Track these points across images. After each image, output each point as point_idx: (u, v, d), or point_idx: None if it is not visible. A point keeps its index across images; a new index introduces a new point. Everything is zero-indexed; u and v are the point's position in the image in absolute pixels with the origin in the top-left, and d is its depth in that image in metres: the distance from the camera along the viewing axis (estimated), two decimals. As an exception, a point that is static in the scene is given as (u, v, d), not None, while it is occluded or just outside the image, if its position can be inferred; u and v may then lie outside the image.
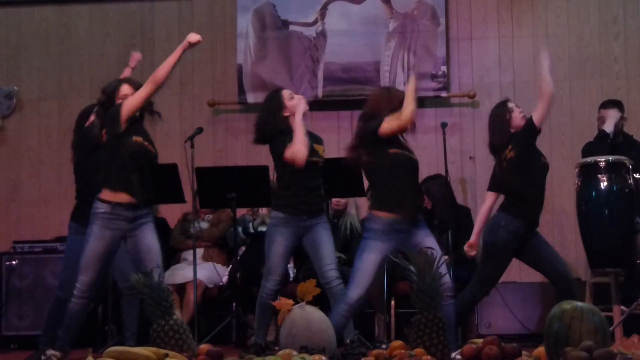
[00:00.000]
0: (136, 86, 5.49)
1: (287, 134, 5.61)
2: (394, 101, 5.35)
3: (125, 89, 5.53)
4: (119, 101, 5.43)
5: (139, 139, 5.38)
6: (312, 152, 5.62)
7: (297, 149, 5.50)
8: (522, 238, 5.55)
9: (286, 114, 5.70)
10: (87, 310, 5.39)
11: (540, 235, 5.69)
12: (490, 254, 5.54)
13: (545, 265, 5.58)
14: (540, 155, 5.75)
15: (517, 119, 5.69)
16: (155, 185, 5.53)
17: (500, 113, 5.74)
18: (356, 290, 5.15)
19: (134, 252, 5.32)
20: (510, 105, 5.76)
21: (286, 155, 5.52)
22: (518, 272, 7.71)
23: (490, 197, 5.83)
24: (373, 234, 5.17)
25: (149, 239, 5.31)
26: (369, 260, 5.14)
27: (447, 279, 5.03)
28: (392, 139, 5.28)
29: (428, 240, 5.15)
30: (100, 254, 5.23)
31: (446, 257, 6.24)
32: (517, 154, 5.58)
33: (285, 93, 5.79)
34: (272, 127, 5.68)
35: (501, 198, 5.79)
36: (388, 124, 5.24)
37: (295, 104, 5.70)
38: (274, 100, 5.75)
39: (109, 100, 5.47)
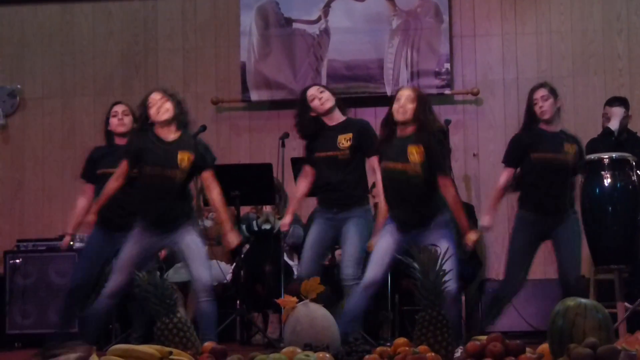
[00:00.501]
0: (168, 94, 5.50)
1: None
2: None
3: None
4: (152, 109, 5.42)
5: (154, 169, 5.36)
6: (331, 146, 5.66)
7: None
8: (535, 224, 5.65)
9: (313, 114, 5.77)
10: (110, 312, 5.53)
11: (568, 228, 5.73)
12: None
13: (557, 261, 5.72)
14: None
15: (538, 108, 5.81)
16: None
17: (529, 96, 5.90)
18: (370, 273, 5.22)
19: (180, 254, 5.45)
20: (539, 93, 5.85)
21: None
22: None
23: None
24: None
25: (187, 239, 5.37)
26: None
27: (451, 284, 4.56)
28: None
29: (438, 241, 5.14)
30: (134, 258, 5.31)
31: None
32: None
33: (309, 92, 5.83)
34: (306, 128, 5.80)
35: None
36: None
37: (317, 105, 5.75)
38: (301, 100, 5.88)
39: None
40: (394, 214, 5.24)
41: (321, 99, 5.73)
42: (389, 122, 5.25)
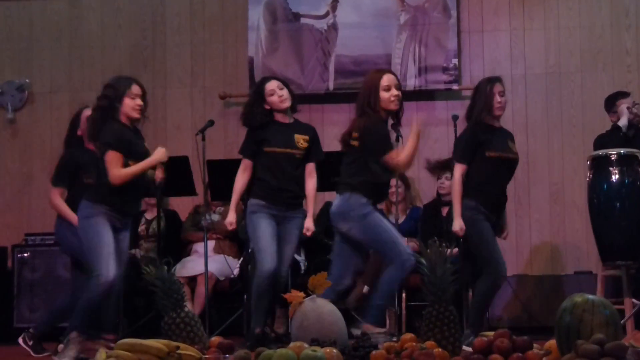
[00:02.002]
0: (143, 91, 5.45)
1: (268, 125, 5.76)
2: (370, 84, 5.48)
3: (136, 89, 5.48)
4: (128, 99, 5.38)
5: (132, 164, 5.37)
6: (288, 143, 5.70)
7: None
8: (488, 218, 5.67)
9: (267, 107, 5.78)
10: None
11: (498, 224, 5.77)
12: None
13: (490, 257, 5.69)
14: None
15: (496, 103, 5.72)
16: (167, 178, 5.61)
17: (483, 88, 5.76)
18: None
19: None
20: (497, 88, 5.76)
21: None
22: (529, 265, 7.72)
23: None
24: None
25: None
26: None
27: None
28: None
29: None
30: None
31: (456, 249, 6.23)
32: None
33: (269, 86, 5.81)
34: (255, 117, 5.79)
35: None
36: (391, 160, 5.37)
37: (275, 100, 5.75)
38: (257, 90, 5.85)
39: (114, 100, 5.41)
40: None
41: (281, 96, 5.77)
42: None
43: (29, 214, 8.36)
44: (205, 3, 8.46)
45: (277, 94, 5.75)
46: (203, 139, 6.66)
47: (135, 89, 5.47)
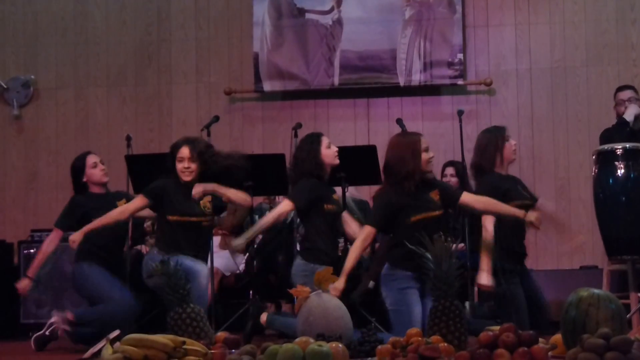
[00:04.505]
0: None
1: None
2: (410, 147, 5.22)
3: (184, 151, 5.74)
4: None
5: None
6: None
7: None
8: None
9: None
10: None
11: None
12: None
13: None
14: None
15: (509, 150, 5.71)
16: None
17: (494, 137, 5.72)
18: None
19: None
20: (507, 134, 5.77)
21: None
22: (535, 260, 7.71)
23: None
24: None
25: None
26: None
27: None
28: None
29: None
30: None
31: (462, 245, 6.23)
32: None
33: (324, 140, 5.80)
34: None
35: None
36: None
37: (331, 154, 5.74)
38: (314, 143, 5.78)
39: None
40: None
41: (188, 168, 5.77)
42: None
43: (35, 210, 8.38)
44: (210, -1, 8.47)
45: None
46: (208, 134, 6.66)
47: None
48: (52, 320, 5.81)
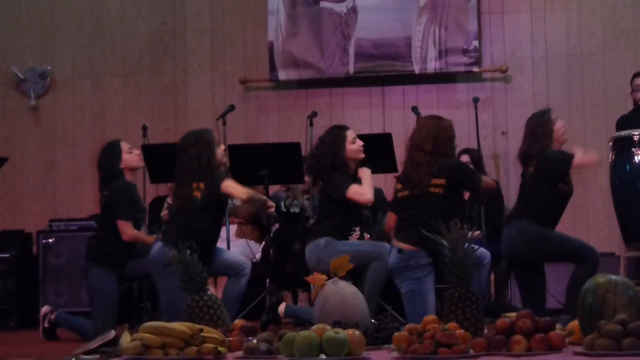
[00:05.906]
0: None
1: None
2: (442, 133, 5.18)
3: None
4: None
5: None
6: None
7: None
8: None
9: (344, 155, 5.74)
10: None
11: None
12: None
13: None
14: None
15: (560, 132, 5.48)
16: None
17: (542, 122, 5.47)
18: None
19: None
20: (554, 116, 5.51)
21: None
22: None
23: None
24: None
25: None
26: None
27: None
28: None
29: None
30: None
31: (478, 232, 6.23)
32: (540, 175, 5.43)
33: (350, 134, 5.79)
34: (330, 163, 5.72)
35: None
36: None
37: (355, 149, 5.73)
38: (338, 137, 5.76)
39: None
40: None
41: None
42: None
43: (53, 200, 8.43)
44: (225, -12, 8.47)
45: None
46: (224, 123, 6.70)
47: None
48: (43, 312, 5.98)
